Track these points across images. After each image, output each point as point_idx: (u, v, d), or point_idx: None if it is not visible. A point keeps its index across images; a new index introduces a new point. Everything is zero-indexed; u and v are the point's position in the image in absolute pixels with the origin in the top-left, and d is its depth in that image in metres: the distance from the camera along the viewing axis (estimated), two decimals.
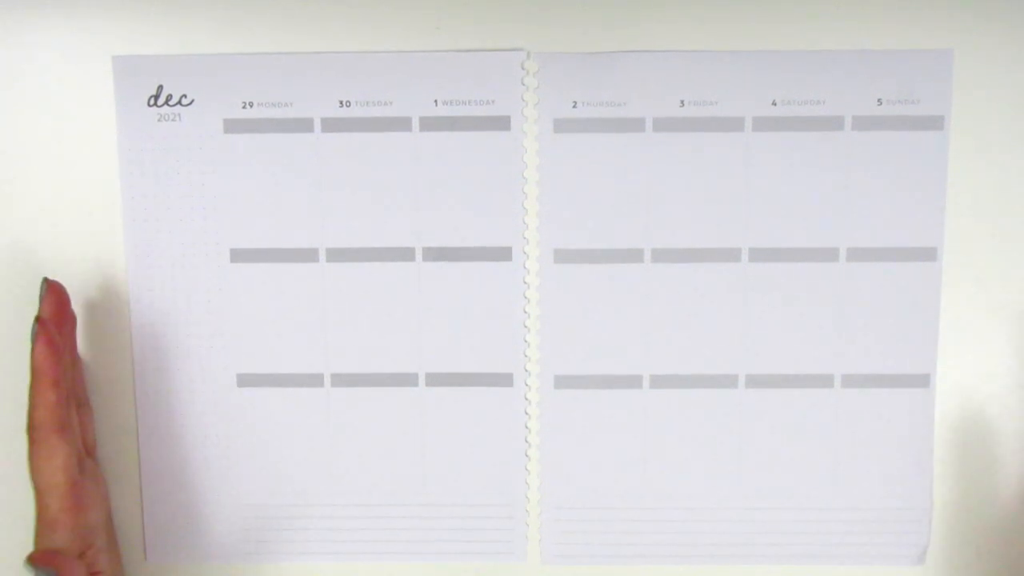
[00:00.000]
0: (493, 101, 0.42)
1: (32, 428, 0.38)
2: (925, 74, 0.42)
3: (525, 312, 0.44)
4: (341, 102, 0.42)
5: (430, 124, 0.42)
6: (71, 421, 0.39)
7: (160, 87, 0.42)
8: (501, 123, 0.42)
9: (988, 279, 0.43)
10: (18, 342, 0.43)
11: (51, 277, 0.41)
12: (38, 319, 0.39)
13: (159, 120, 0.43)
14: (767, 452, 0.44)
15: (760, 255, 0.43)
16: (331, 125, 0.43)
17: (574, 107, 0.42)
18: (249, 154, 0.43)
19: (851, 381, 0.44)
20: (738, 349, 0.44)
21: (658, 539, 0.45)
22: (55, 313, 0.40)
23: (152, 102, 0.43)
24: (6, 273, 0.44)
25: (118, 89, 0.43)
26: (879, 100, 0.42)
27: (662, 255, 0.43)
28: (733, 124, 0.42)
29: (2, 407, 0.44)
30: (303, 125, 0.43)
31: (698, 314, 0.44)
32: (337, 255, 0.43)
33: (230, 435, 0.44)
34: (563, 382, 0.44)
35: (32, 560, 0.37)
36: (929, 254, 0.43)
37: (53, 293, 0.40)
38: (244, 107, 0.42)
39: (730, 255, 0.43)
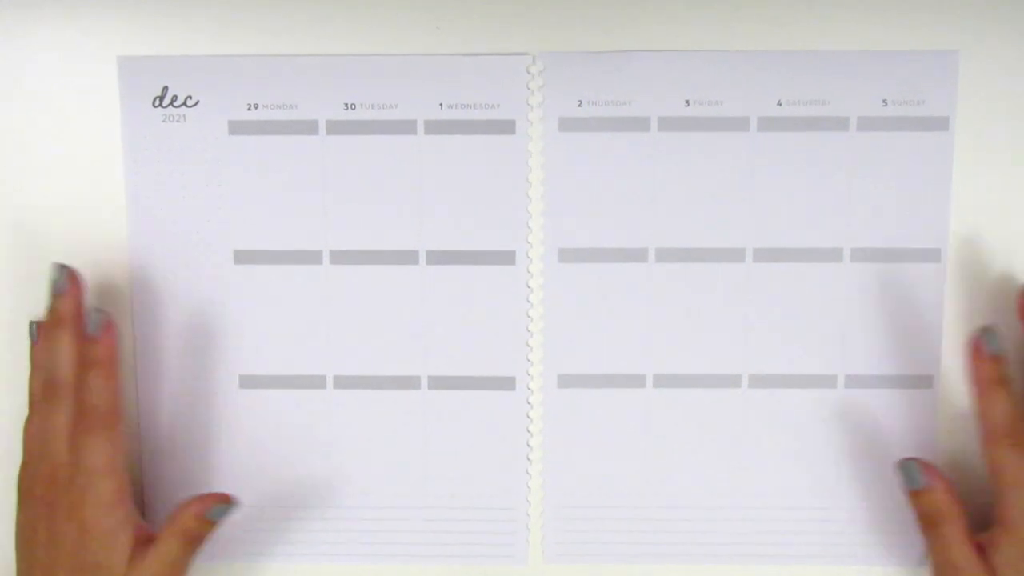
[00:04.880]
0: (498, 105, 0.42)
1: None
2: (930, 75, 0.42)
3: (528, 316, 0.44)
4: (346, 105, 0.42)
5: (435, 127, 0.42)
6: None
7: (165, 88, 0.42)
8: (506, 127, 0.42)
9: (992, 281, 0.43)
10: (22, 338, 0.43)
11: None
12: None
13: (164, 121, 0.43)
14: (770, 452, 0.44)
15: (764, 255, 0.43)
16: (336, 128, 0.42)
17: (579, 106, 0.42)
18: (254, 156, 0.43)
19: (854, 382, 0.44)
20: (742, 349, 0.44)
21: (660, 539, 0.45)
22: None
23: (157, 103, 0.42)
24: (11, 272, 0.44)
25: (123, 90, 0.42)
26: (884, 101, 0.42)
27: (666, 255, 0.43)
28: (738, 124, 0.42)
29: (2, 399, 0.44)
30: (308, 127, 0.42)
31: (702, 314, 0.44)
32: (341, 257, 0.43)
33: (232, 437, 0.44)
34: (566, 381, 0.44)
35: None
36: (933, 255, 0.43)
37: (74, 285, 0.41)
38: (249, 109, 0.42)
39: (734, 255, 0.43)
